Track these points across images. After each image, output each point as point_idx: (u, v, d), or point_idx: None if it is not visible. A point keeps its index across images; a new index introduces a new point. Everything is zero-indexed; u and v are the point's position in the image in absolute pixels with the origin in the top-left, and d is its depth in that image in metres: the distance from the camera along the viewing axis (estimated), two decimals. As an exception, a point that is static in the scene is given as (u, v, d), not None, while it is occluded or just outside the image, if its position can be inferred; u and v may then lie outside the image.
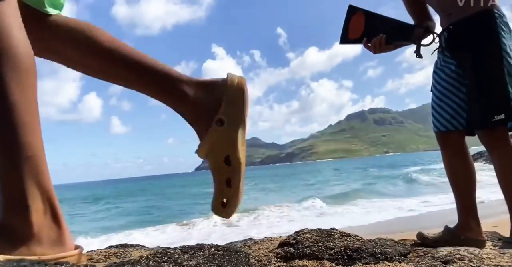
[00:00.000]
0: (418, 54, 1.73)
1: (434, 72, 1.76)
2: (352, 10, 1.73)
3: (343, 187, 17.82)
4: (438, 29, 1.75)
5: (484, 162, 20.02)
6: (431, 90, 1.77)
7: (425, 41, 1.74)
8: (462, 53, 1.60)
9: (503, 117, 1.46)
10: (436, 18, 1.79)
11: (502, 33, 1.51)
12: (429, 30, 1.75)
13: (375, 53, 1.73)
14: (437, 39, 1.72)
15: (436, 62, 1.76)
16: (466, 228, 1.61)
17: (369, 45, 1.73)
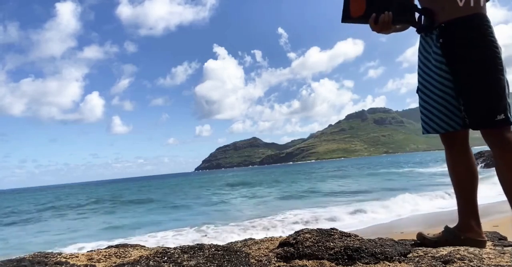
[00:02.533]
0: (421, 31, 1.71)
1: (420, 67, 1.73)
2: None
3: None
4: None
5: (483, 163, 20.02)
6: (419, 91, 1.75)
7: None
8: (458, 53, 1.58)
9: (503, 117, 1.48)
10: None
11: (495, 36, 1.55)
12: (427, 14, 1.68)
13: (379, 31, 1.68)
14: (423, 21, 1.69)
15: (420, 48, 1.74)
16: (466, 228, 1.61)
17: (374, 23, 1.65)
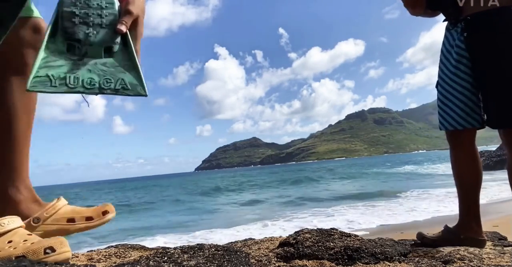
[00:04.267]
0: (449, 18, 1.67)
1: (442, 61, 1.69)
2: None
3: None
4: None
5: (483, 164, 19.96)
6: (438, 86, 1.70)
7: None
8: (481, 45, 1.51)
9: None
10: None
11: None
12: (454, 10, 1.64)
13: (412, 10, 1.68)
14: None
15: (444, 42, 1.69)
16: (466, 228, 1.61)
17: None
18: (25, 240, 0.85)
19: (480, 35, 1.51)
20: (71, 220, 1.07)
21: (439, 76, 1.70)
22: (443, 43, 1.71)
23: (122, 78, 0.82)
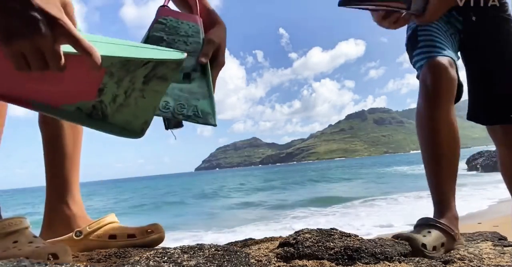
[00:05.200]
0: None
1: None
2: None
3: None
4: None
5: (483, 164, 19.97)
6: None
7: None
8: (489, 38, 1.37)
9: None
10: None
11: None
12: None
13: (393, 27, 1.29)
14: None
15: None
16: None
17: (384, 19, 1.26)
18: (31, 242, 0.86)
19: (488, 24, 1.36)
20: (112, 237, 1.08)
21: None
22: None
23: (196, 105, 0.83)
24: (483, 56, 1.40)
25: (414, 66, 1.37)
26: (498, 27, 1.37)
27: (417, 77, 1.33)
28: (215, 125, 0.84)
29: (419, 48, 1.32)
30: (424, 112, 1.27)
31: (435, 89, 1.24)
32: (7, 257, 0.77)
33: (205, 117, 0.83)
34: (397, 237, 1.12)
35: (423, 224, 1.20)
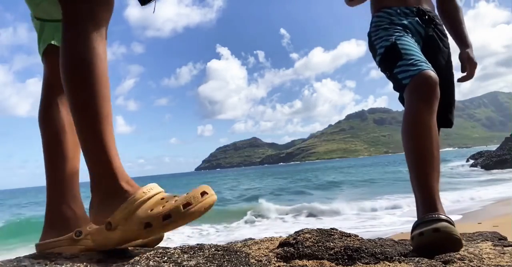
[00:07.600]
0: None
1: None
2: None
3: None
4: None
5: (483, 164, 19.96)
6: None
7: None
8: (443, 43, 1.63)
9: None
10: None
11: None
12: None
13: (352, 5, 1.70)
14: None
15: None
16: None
17: None
18: (170, 200, 0.89)
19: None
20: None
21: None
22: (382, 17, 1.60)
23: None
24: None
25: (394, 76, 1.46)
26: (440, 43, 1.59)
27: (399, 87, 1.44)
28: None
29: (405, 60, 1.41)
30: (424, 118, 1.33)
31: (433, 97, 1.34)
32: (168, 209, 0.83)
33: None
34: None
35: (429, 221, 1.15)
